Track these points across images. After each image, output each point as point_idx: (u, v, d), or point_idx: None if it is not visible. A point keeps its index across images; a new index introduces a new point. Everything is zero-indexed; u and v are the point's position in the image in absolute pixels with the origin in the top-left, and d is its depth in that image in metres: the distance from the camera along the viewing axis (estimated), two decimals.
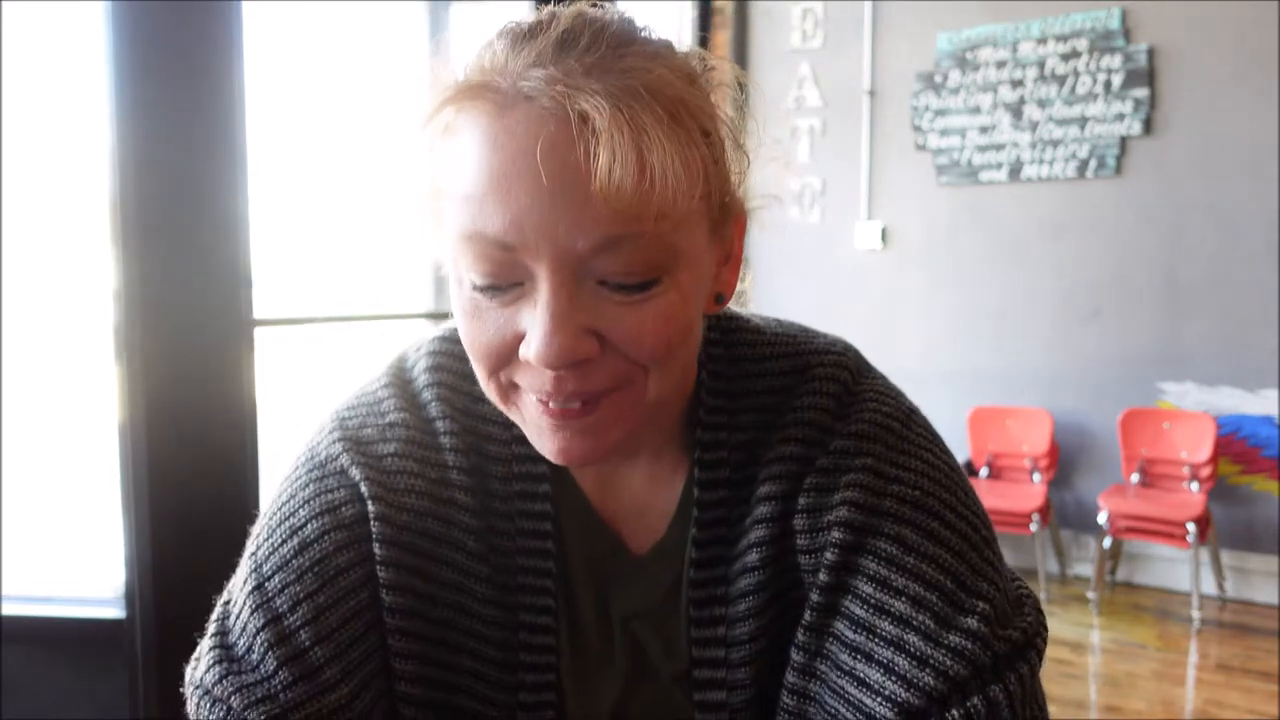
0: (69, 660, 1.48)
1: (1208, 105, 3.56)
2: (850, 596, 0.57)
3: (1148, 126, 3.65)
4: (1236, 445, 3.56)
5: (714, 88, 0.56)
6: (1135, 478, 3.61)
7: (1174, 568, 3.61)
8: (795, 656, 0.58)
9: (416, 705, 0.61)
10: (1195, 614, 3.34)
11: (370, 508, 0.60)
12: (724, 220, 0.57)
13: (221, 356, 1.48)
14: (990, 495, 3.67)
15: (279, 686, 0.56)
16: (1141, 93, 3.64)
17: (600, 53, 0.50)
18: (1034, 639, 0.57)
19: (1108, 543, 3.53)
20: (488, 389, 0.57)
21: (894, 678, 0.54)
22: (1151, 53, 3.63)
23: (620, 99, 0.48)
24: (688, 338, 0.54)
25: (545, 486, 0.63)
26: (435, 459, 0.62)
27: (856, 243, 4.18)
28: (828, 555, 0.57)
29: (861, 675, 0.55)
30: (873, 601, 0.56)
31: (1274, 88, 3.41)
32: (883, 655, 0.55)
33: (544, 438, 0.55)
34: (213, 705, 0.57)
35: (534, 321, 0.50)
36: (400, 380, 0.67)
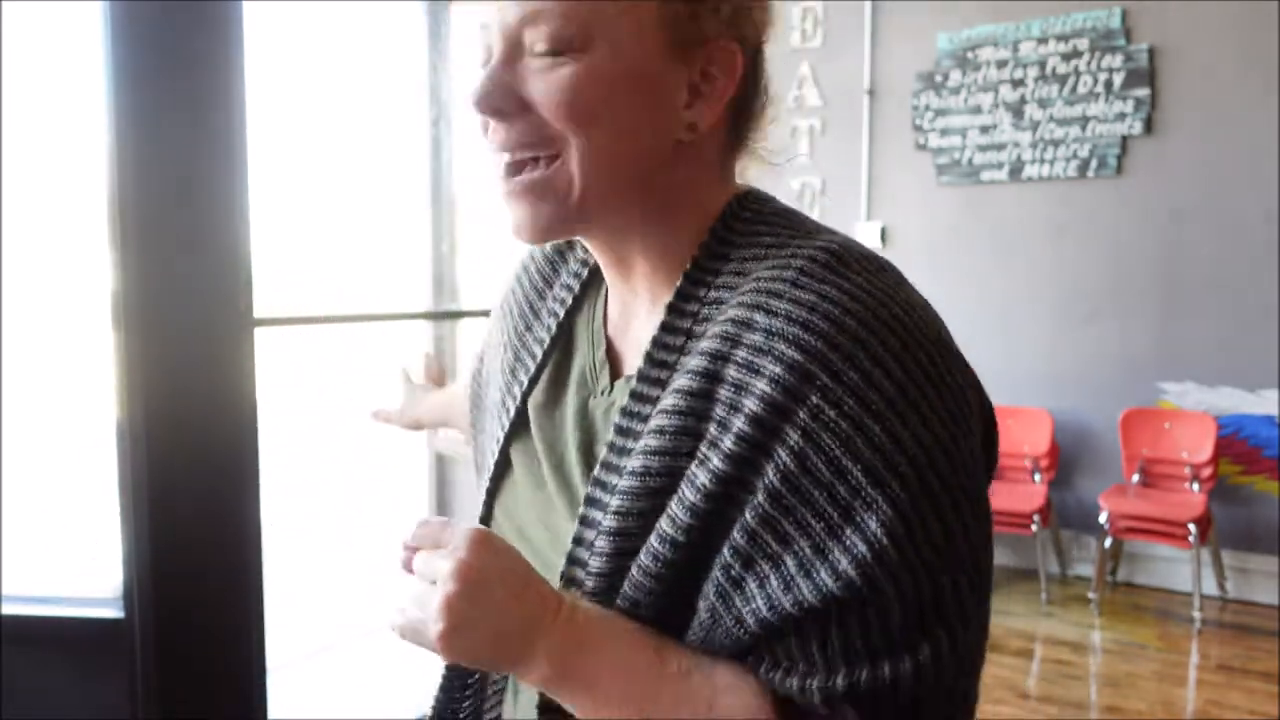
0: (68, 660, 1.48)
1: (1208, 105, 3.56)
2: (746, 492, 0.56)
3: (1148, 126, 3.65)
4: (1237, 445, 3.56)
5: None
6: (1136, 478, 3.61)
7: (1175, 568, 3.61)
8: (667, 524, 0.58)
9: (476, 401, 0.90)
10: (1196, 614, 3.33)
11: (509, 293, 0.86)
12: (689, 43, 0.63)
13: (221, 356, 1.48)
14: (991, 496, 3.66)
15: None
16: (1142, 92, 3.64)
17: None
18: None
19: (1108, 543, 3.52)
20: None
21: (758, 595, 0.56)
22: (1152, 52, 3.63)
23: None
24: (600, 119, 0.62)
25: (576, 282, 0.78)
26: (533, 256, 0.84)
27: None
28: (728, 440, 0.56)
29: (736, 575, 0.56)
30: (762, 511, 0.55)
31: (1274, 88, 3.41)
32: (759, 565, 0.56)
33: (507, 212, 0.66)
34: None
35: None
36: None
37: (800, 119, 4.26)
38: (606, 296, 0.75)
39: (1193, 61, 3.57)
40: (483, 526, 0.61)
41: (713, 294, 0.64)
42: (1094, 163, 3.74)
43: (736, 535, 0.56)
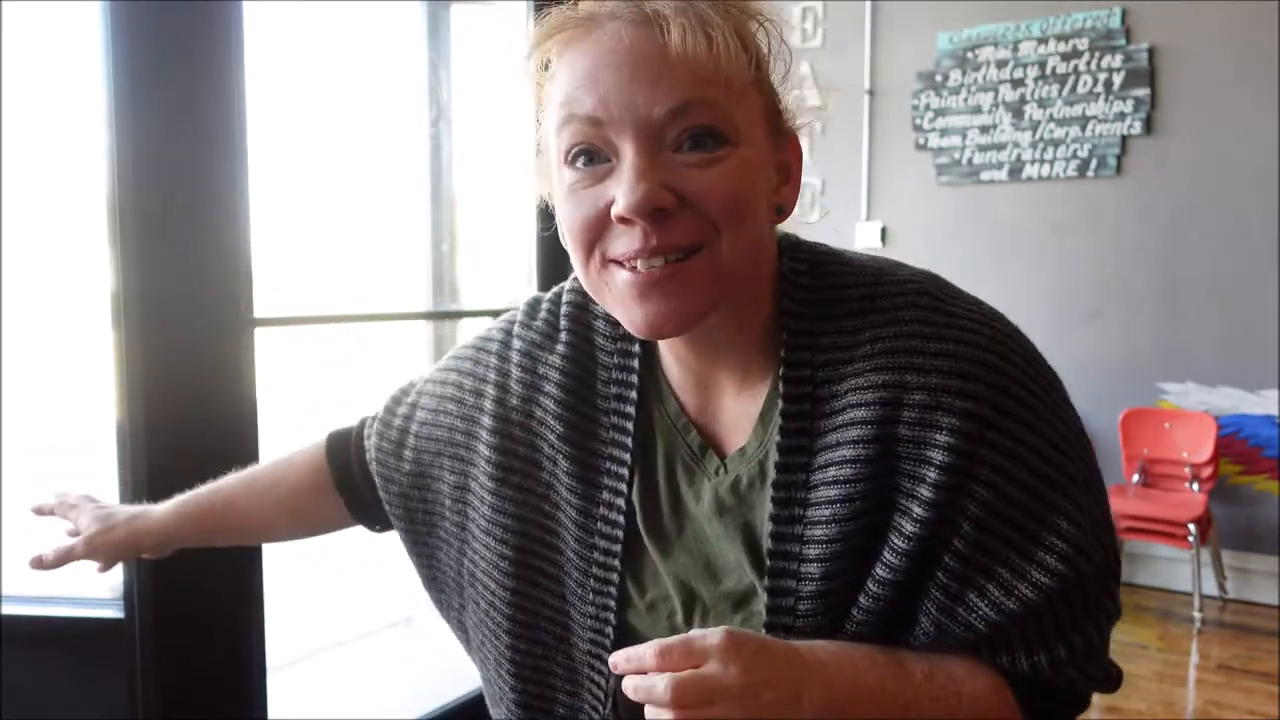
0: (68, 660, 1.48)
1: (1208, 105, 3.55)
2: (951, 528, 0.63)
3: (1148, 126, 3.65)
4: (1237, 445, 3.56)
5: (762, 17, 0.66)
6: (1136, 478, 3.61)
7: (1175, 568, 3.61)
8: (884, 570, 0.65)
9: (508, 560, 0.79)
10: (1196, 614, 3.33)
11: (490, 391, 0.81)
12: (779, 131, 0.67)
13: (221, 356, 1.47)
14: None
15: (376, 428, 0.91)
16: (1142, 92, 3.64)
17: None
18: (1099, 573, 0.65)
19: None
20: (585, 275, 0.66)
21: (988, 598, 0.63)
22: (1152, 52, 3.63)
23: (688, 7, 0.60)
24: (752, 209, 0.63)
25: (633, 394, 0.75)
26: (545, 359, 0.79)
27: (856, 243, 4.18)
28: (925, 489, 0.63)
29: (956, 592, 0.64)
30: (970, 538, 0.63)
31: (1274, 88, 3.41)
32: (977, 580, 0.63)
33: (632, 308, 0.63)
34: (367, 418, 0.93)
35: (620, 182, 0.61)
36: (542, 299, 0.84)
37: (800, 119, 4.25)
38: (665, 379, 0.75)
39: (1193, 61, 3.57)
40: (727, 630, 0.58)
41: (821, 357, 0.67)
42: (1094, 163, 3.74)
43: (950, 561, 0.63)
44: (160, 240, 1.41)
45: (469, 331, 2.86)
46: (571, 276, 0.81)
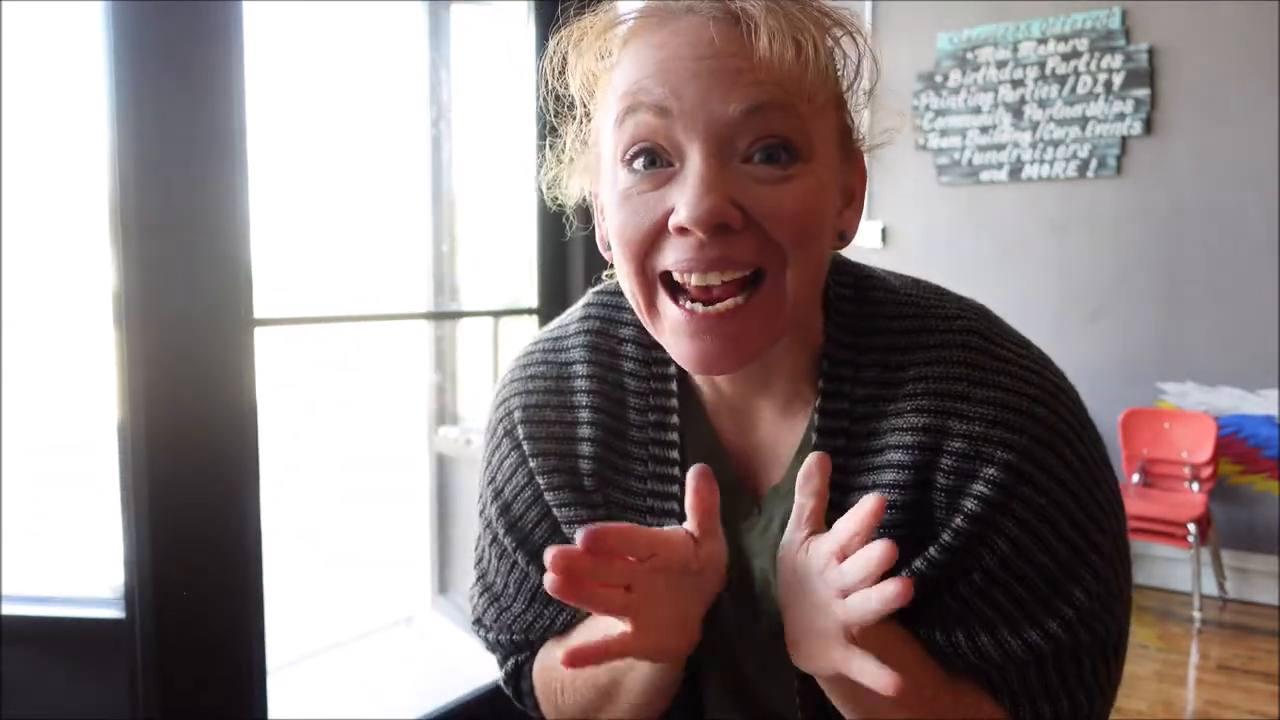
0: (69, 660, 1.48)
1: (1208, 105, 3.55)
2: (962, 570, 0.62)
3: (1148, 126, 3.65)
4: (1237, 445, 3.56)
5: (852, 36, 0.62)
6: (1136, 478, 3.61)
7: (1175, 568, 3.61)
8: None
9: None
10: (1196, 614, 3.33)
11: (531, 464, 0.71)
12: (849, 152, 0.63)
13: (221, 356, 1.47)
14: None
15: (519, 610, 0.75)
16: (1142, 93, 3.64)
17: None
18: (1104, 641, 0.64)
19: None
20: (635, 293, 0.60)
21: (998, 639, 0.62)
22: (1152, 53, 3.63)
23: (780, 5, 0.55)
24: (821, 235, 0.58)
25: (675, 419, 0.68)
26: (568, 402, 0.71)
27: (857, 242, 4.17)
28: (948, 534, 0.61)
29: (961, 619, 0.63)
30: (977, 585, 0.62)
31: (1274, 88, 3.41)
32: (979, 620, 0.62)
33: (683, 342, 0.58)
34: (487, 633, 0.78)
35: (683, 190, 0.55)
36: (554, 333, 0.75)
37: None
38: (698, 400, 0.70)
39: (1193, 61, 3.57)
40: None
41: (861, 391, 0.64)
42: (1094, 163, 3.74)
43: (964, 592, 0.62)
44: (161, 241, 1.41)
45: (469, 331, 2.86)
46: (580, 304, 0.75)
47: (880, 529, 0.62)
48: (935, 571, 0.62)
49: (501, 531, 0.74)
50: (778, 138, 0.55)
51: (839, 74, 0.60)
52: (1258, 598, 3.55)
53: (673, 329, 0.59)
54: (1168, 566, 3.65)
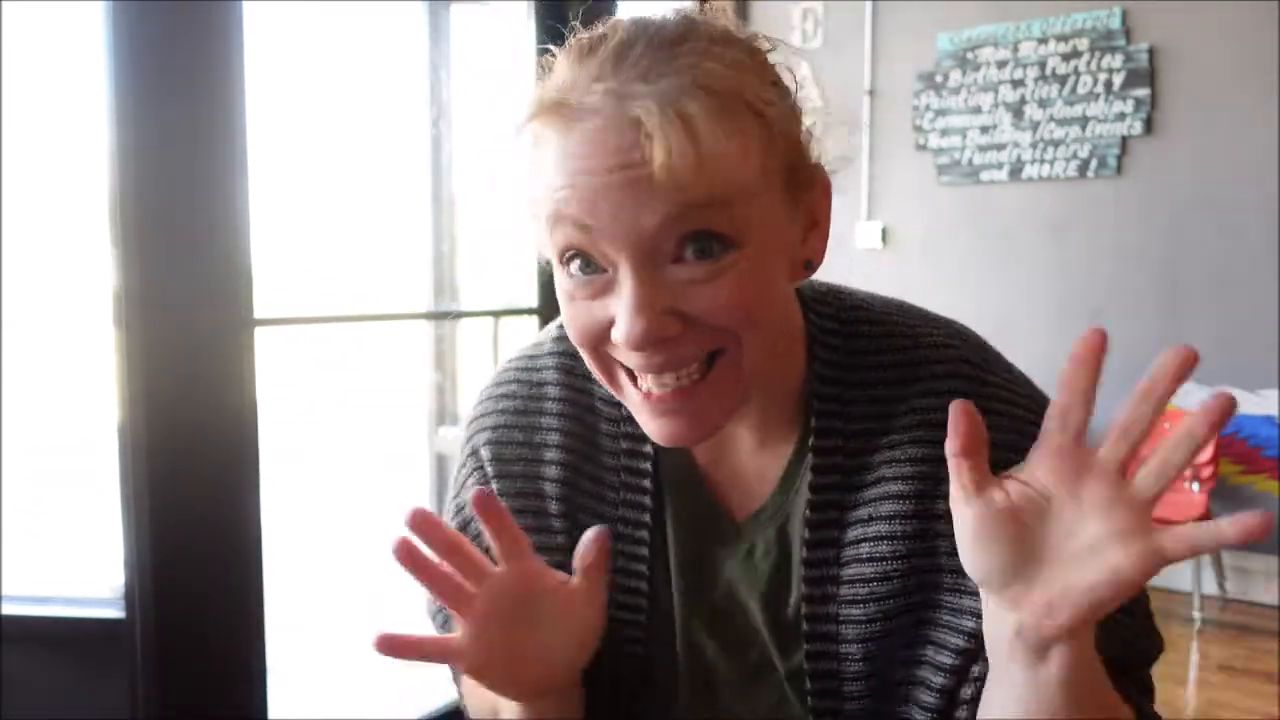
0: (69, 660, 1.48)
1: (1208, 105, 3.55)
2: None
3: (1149, 126, 3.65)
4: (1237, 445, 3.56)
5: (771, 67, 0.60)
6: None
7: (1175, 568, 3.60)
8: (939, 677, 0.62)
9: None
10: (1196, 614, 3.33)
11: (494, 487, 0.70)
12: (802, 187, 0.60)
13: (221, 356, 1.47)
14: None
15: None
16: (1142, 92, 3.64)
17: (651, 58, 0.54)
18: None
19: None
20: (594, 369, 0.61)
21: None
22: (1152, 52, 3.62)
23: (669, 98, 0.52)
24: (769, 306, 0.58)
25: (649, 447, 0.68)
26: (536, 424, 0.70)
27: (856, 243, 4.18)
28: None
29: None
30: None
31: (1274, 88, 3.41)
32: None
33: (647, 421, 0.59)
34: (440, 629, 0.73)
35: (620, 308, 0.55)
36: (529, 351, 0.75)
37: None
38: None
39: (1193, 61, 3.57)
40: None
41: (853, 426, 0.64)
42: (1094, 163, 3.74)
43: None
44: (161, 240, 1.41)
45: (469, 331, 2.86)
46: (555, 323, 0.74)
47: (883, 561, 0.62)
48: (977, 641, 0.60)
49: None
50: (702, 234, 0.54)
51: (764, 145, 0.56)
52: (1258, 598, 3.54)
53: (635, 408, 0.60)
54: (1167, 566, 3.64)
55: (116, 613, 1.45)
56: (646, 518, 0.68)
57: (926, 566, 0.62)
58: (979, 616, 0.59)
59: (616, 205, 0.53)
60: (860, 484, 0.63)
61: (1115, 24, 3.67)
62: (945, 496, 0.59)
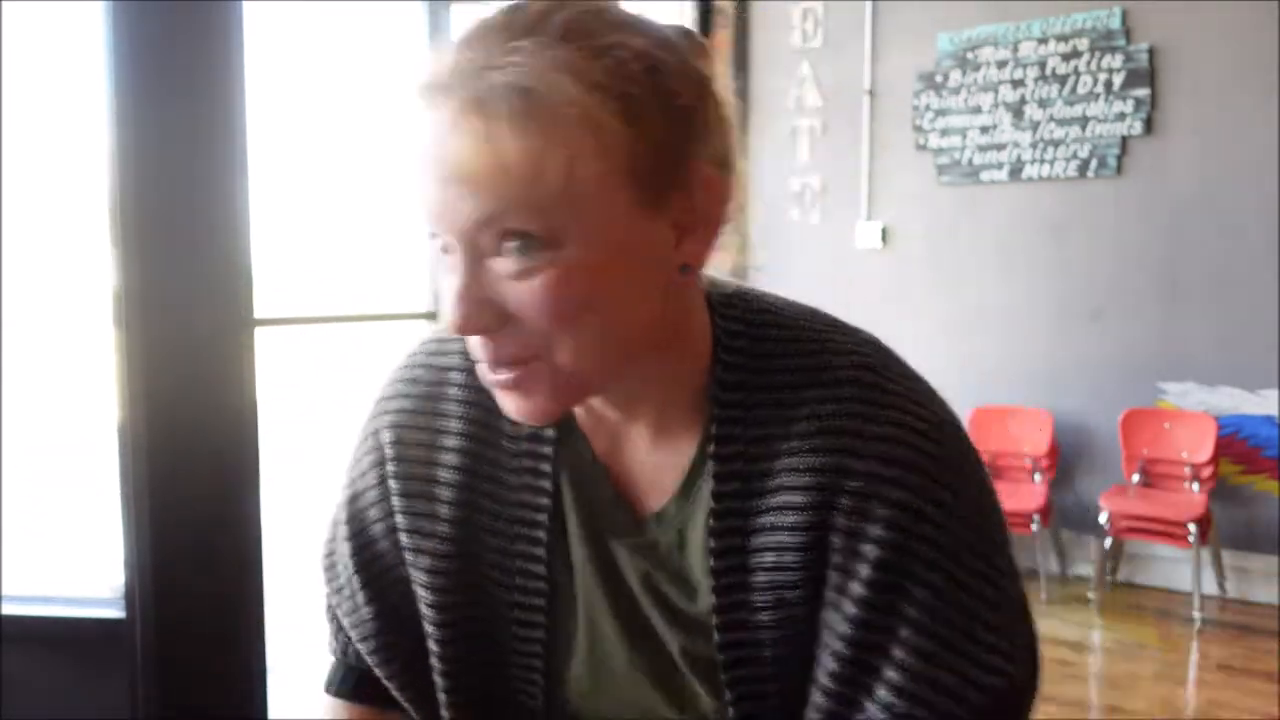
0: (69, 660, 1.48)
1: (1208, 105, 3.55)
2: (889, 631, 0.61)
3: (1149, 126, 3.65)
4: (1237, 445, 3.56)
5: (629, 65, 0.56)
6: (1136, 478, 3.61)
7: (1175, 568, 3.61)
8: (828, 679, 0.62)
9: (438, 644, 0.72)
10: (1196, 614, 3.33)
11: (387, 468, 0.72)
12: (668, 189, 0.58)
13: (221, 356, 1.48)
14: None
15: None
16: (1142, 92, 3.64)
17: (489, 50, 0.55)
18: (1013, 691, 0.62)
19: (1108, 543, 3.52)
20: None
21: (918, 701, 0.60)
22: (1152, 52, 3.63)
23: (481, 98, 0.53)
24: (593, 309, 0.57)
25: (550, 432, 0.68)
26: (440, 409, 0.71)
27: (856, 243, 4.18)
28: (858, 585, 0.61)
29: (903, 691, 0.61)
30: (912, 642, 0.60)
31: (1274, 88, 3.41)
32: (921, 686, 0.60)
33: (497, 396, 0.62)
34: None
35: (448, 292, 0.58)
36: (440, 333, 0.75)
37: (800, 119, 4.26)
38: (577, 427, 0.69)
39: (1193, 61, 3.57)
40: None
41: (754, 431, 0.63)
42: (1094, 163, 3.74)
43: (897, 651, 0.60)
44: (161, 240, 1.41)
45: None
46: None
47: (789, 571, 0.62)
48: (861, 634, 0.60)
49: (345, 534, 0.76)
50: (515, 234, 0.55)
51: (615, 123, 0.54)
52: (1258, 597, 3.55)
53: (487, 383, 0.62)
54: (1168, 566, 3.65)
55: (116, 613, 1.45)
56: (545, 501, 0.68)
57: (820, 577, 0.61)
58: (848, 642, 0.60)
59: (443, 195, 0.55)
60: (762, 490, 0.63)
61: (1115, 24, 3.67)
62: (842, 510, 0.60)
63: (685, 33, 0.61)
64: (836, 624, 0.61)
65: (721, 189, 0.60)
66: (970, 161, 3.97)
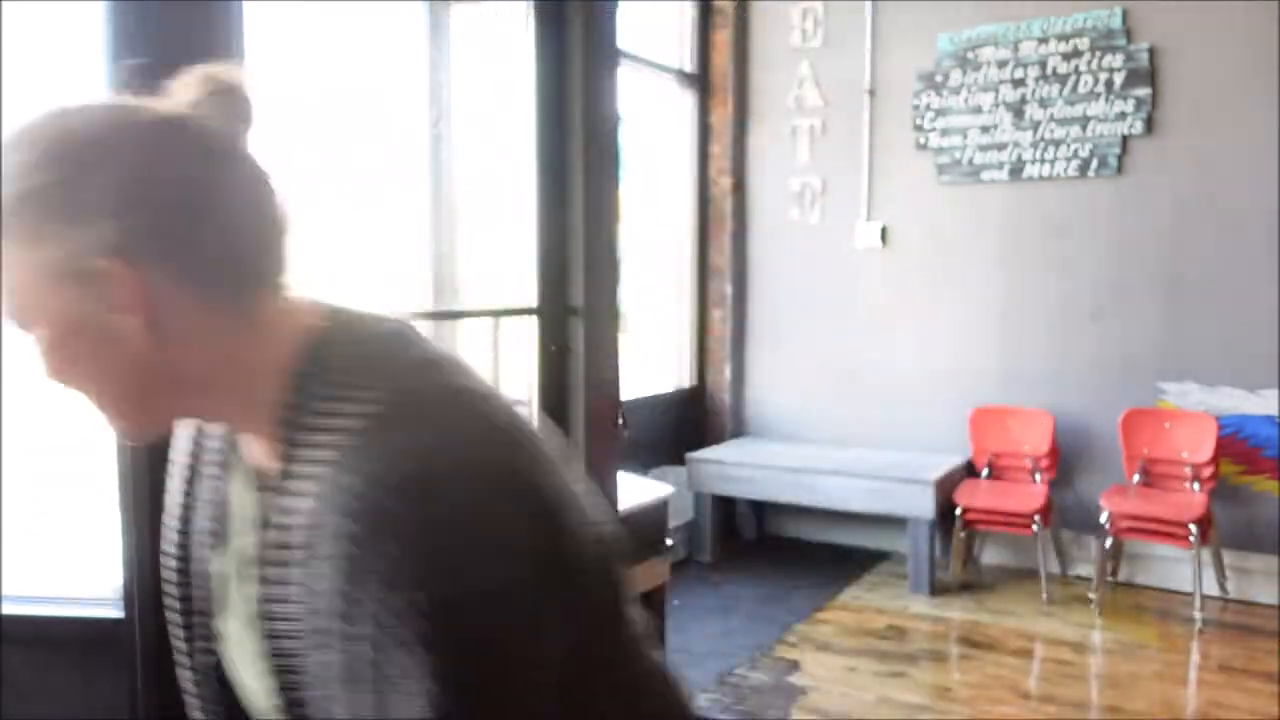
0: (69, 660, 1.48)
1: (1208, 105, 3.56)
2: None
3: (1149, 126, 3.65)
4: (1237, 445, 3.56)
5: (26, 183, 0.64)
6: (1136, 478, 3.61)
7: (1175, 568, 3.61)
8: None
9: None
10: (1197, 614, 3.33)
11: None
12: (76, 286, 0.63)
13: None
14: (991, 495, 3.66)
15: None
16: (1143, 92, 3.64)
17: None
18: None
19: (1109, 543, 3.52)
20: None
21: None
22: (1153, 52, 3.63)
23: None
24: (82, 378, 0.67)
25: (220, 445, 0.80)
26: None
27: (856, 243, 4.18)
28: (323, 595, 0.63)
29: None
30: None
31: (1274, 88, 3.41)
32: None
33: None
34: None
35: None
36: None
37: (800, 119, 4.26)
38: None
39: (1193, 61, 3.57)
40: None
41: (295, 468, 0.66)
42: (1094, 162, 3.74)
43: (341, 676, 0.61)
44: None
45: (469, 331, 2.86)
46: None
47: (301, 607, 0.64)
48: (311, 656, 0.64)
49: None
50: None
51: (16, 241, 0.64)
52: (1258, 598, 3.55)
53: None
54: (1168, 566, 3.65)
55: (116, 613, 1.45)
56: (220, 493, 0.81)
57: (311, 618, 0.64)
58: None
59: None
60: (292, 525, 0.66)
61: (1116, 24, 3.68)
62: (322, 556, 0.61)
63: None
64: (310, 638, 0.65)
65: (128, 288, 0.64)
66: (970, 161, 3.98)
